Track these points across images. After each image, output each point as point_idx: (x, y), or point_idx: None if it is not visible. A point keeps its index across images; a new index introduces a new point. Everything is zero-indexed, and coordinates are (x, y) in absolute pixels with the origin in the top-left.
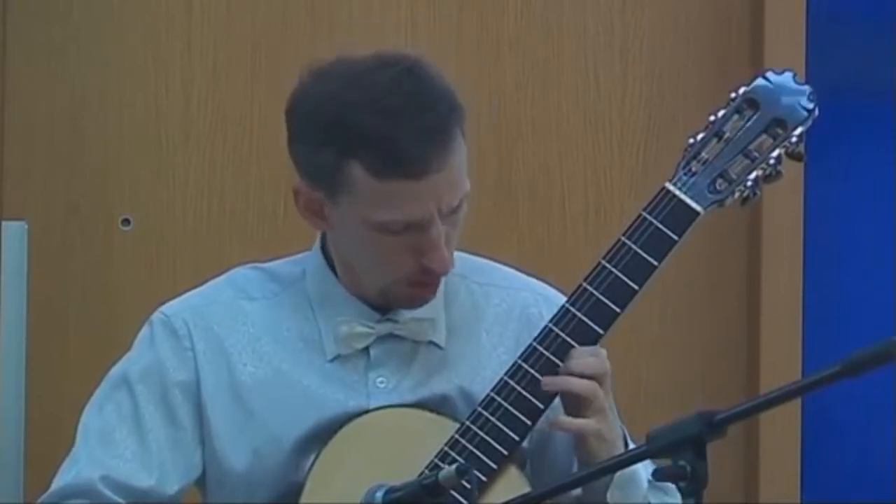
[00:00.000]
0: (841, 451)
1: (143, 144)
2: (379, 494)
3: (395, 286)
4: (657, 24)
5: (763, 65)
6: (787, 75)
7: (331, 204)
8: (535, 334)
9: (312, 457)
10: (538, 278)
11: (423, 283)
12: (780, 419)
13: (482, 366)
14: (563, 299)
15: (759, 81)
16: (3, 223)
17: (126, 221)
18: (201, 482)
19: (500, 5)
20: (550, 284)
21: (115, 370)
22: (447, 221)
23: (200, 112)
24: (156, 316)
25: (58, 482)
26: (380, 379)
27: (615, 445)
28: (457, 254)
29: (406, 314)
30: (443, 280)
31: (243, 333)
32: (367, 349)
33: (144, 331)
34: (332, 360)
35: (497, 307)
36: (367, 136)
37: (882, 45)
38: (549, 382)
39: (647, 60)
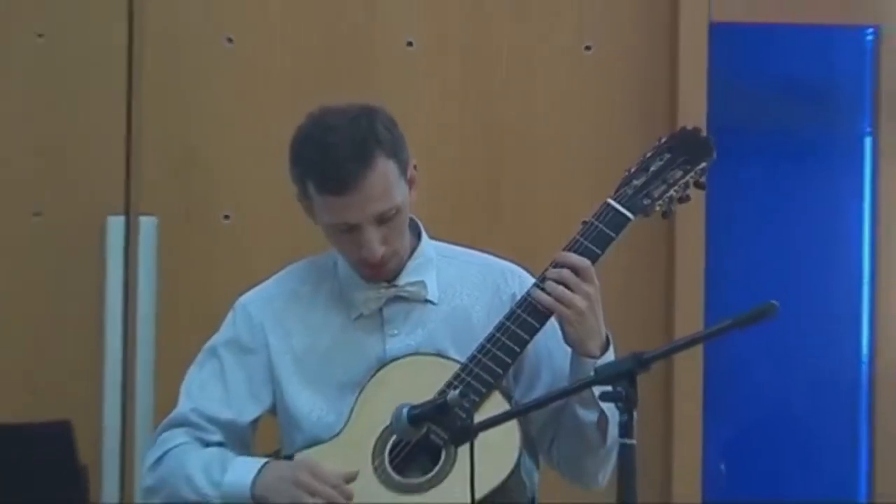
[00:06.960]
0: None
1: (244, 157)
2: (404, 411)
3: (357, 266)
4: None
5: (678, 107)
6: (697, 129)
7: (310, 210)
8: (503, 300)
9: (354, 394)
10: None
11: (370, 266)
12: (686, 384)
13: (465, 317)
14: (526, 274)
15: (677, 133)
16: (140, 218)
17: (226, 217)
18: (275, 414)
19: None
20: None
21: (209, 343)
22: (384, 225)
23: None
24: (237, 303)
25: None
26: (393, 330)
27: (591, 333)
28: (442, 244)
29: (402, 280)
30: (435, 256)
31: (297, 312)
32: (380, 311)
33: (229, 315)
34: (356, 319)
35: (474, 277)
36: (308, 164)
37: (765, 97)
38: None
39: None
